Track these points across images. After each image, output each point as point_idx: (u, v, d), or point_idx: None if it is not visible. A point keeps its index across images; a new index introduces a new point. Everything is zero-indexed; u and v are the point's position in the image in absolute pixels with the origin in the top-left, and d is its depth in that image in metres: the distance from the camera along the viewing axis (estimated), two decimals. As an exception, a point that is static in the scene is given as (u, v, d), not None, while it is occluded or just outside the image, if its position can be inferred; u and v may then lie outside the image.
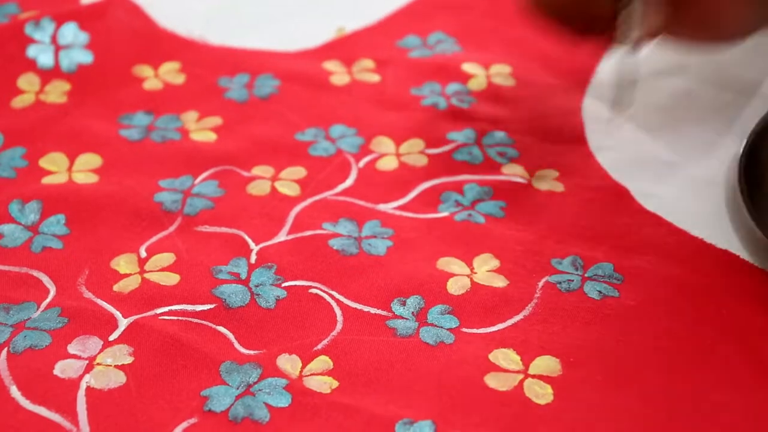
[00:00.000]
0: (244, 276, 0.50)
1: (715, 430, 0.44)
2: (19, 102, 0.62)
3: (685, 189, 0.57)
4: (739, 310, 0.49)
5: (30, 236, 0.53)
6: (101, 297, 0.49)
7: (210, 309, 0.48)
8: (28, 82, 0.63)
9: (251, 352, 0.46)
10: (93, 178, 0.57)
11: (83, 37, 0.66)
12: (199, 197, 0.55)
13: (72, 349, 0.46)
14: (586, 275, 0.51)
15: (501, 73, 0.65)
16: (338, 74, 0.65)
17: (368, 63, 0.66)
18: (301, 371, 0.46)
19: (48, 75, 0.64)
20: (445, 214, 0.55)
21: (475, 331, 0.48)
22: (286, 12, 0.71)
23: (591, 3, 0.51)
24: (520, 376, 0.46)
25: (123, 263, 0.51)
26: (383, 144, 0.59)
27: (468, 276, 0.51)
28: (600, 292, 0.50)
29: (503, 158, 0.58)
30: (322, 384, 0.45)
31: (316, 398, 0.44)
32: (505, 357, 0.47)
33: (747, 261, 0.52)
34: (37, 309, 0.48)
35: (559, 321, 0.48)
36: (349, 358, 0.46)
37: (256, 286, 0.50)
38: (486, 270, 0.51)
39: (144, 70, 0.65)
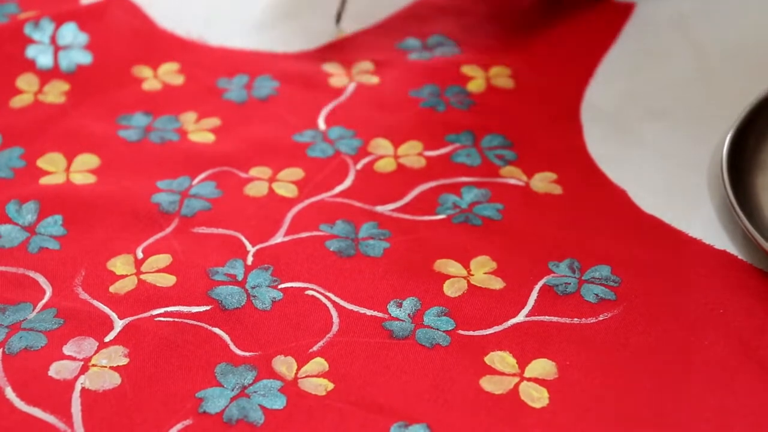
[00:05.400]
0: (240, 277, 0.50)
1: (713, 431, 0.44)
2: (17, 102, 0.62)
3: (683, 190, 0.57)
4: (738, 310, 0.49)
5: (27, 237, 0.53)
6: (97, 298, 0.49)
7: (206, 311, 0.48)
8: (27, 82, 0.63)
9: (247, 354, 0.46)
10: (91, 179, 0.57)
11: (82, 37, 0.66)
12: (196, 198, 0.55)
13: (67, 350, 0.46)
14: (583, 278, 0.51)
15: (500, 75, 0.65)
16: (337, 76, 0.65)
17: (367, 65, 0.66)
18: (296, 373, 0.46)
19: (47, 75, 0.64)
20: (442, 216, 0.54)
21: (471, 333, 0.48)
22: (285, 13, 0.71)
23: None
24: (516, 380, 0.45)
25: (119, 264, 0.51)
26: (381, 146, 0.59)
27: (465, 278, 0.51)
28: (597, 295, 0.50)
29: (501, 161, 0.58)
30: (318, 386, 0.45)
31: (311, 400, 0.44)
32: (501, 360, 0.46)
33: (746, 261, 0.52)
34: (33, 310, 0.48)
35: (556, 324, 0.48)
36: (345, 360, 0.46)
37: (253, 288, 0.50)
38: (483, 272, 0.51)
39: (143, 71, 0.65)
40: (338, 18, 0.63)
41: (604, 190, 0.56)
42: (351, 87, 0.64)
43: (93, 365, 0.46)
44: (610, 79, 0.65)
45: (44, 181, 0.56)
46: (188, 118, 0.62)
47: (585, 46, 0.67)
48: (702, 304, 0.49)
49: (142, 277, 0.50)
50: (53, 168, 0.57)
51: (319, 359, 0.46)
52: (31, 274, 0.50)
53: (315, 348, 0.47)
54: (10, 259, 0.51)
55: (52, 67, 0.64)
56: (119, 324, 0.48)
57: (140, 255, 0.52)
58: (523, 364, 0.46)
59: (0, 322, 0.47)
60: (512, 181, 0.57)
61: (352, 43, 0.67)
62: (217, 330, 0.48)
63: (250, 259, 0.51)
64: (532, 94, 0.64)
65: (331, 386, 0.45)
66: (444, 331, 0.48)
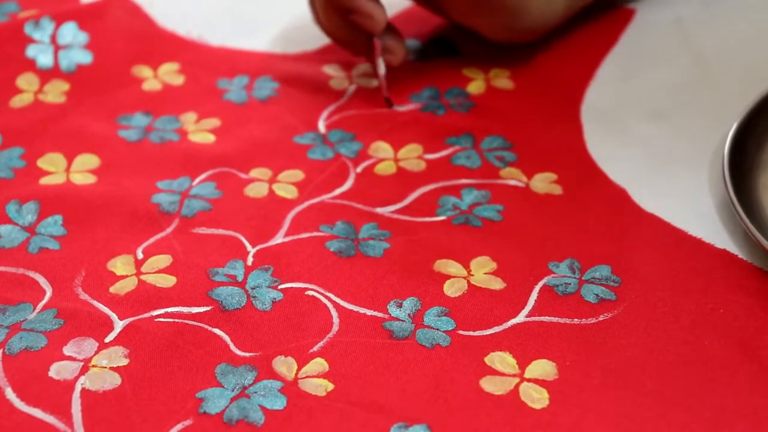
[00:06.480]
0: (240, 278, 0.50)
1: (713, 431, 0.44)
2: (17, 101, 0.62)
3: (683, 189, 0.57)
4: (738, 310, 0.49)
5: (27, 237, 0.53)
6: (97, 298, 0.49)
7: (206, 311, 0.48)
8: (27, 81, 0.63)
9: (247, 354, 0.46)
10: (91, 179, 0.57)
11: (82, 37, 0.66)
12: (196, 199, 0.55)
13: (67, 350, 0.46)
14: (583, 278, 0.51)
15: (500, 76, 0.65)
16: (337, 78, 0.65)
17: (367, 67, 0.66)
18: (296, 373, 0.46)
19: (47, 75, 0.64)
20: (442, 218, 0.54)
21: (471, 333, 0.48)
22: (286, 14, 0.71)
23: (350, 40, 0.62)
24: (516, 380, 0.45)
25: (120, 265, 0.51)
26: (381, 149, 0.59)
27: (465, 278, 0.51)
28: (597, 295, 0.50)
29: (501, 162, 0.58)
30: (318, 386, 0.45)
31: (311, 401, 0.44)
32: (501, 360, 0.46)
33: (746, 260, 0.52)
34: (33, 310, 0.48)
35: (556, 324, 0.48)
36: (345, 360, 0.46)
37: (253, 288, 0.50)
38: (483, 272, 0.51)
39: (143, 71, 0.65)
40: (389, 102, 0.63)
41: (604, 190, 0.56)
42: (351, 89, 0.64)
43: (93, 366, 0.46)
44: (610, 80, 0.65)
45: (44, 181, 0.56)
46: (188, 119, 0.62)
47: (585, 49, 0.67)
48: (702, 304, 0.49)
49: (143, 277, 0.50)
50: (53, 168, 0.57)
51: (319, 359, 0.46)
52: (31, 274, 0.50)
53: (315, 348, 0.47)
54: (10, 259, 0.51)
55: (52, 67, 0.64)
56: (119, 324, 0.48)
57: (140, 255, 0.52)
58: (523, 364, 0.46)
59: (0, 323, 0.47)
60: (512, 182, 0.57)
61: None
62: (217, 330, 0.48)
63: (250, 260, 0.51)
64: (532, 95, 0.64)
65: (331, 386, 0.45)
66: (444, 332, 0.48)
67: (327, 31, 0.63)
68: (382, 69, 0.62)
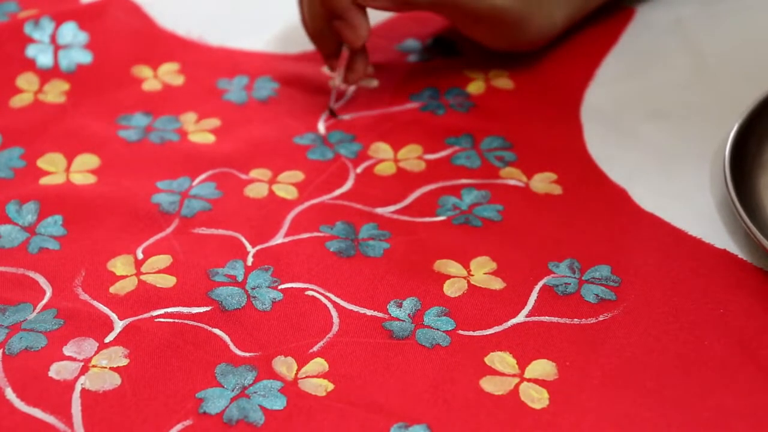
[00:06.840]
0: (240, 278, 0.50)
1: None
2: (17, 101, 0.62)
3: (683, 188, 0.57)
4: (738, 310, 0.49)
5: (27, 237, 0.53)
6: (97, 299, 0.49)
7: (206, 311, 0.48)
8: (26, 81, 0.63)
9: (247, 354, 0.46)
10: (91, 179, 0.57)
11: (82, 36, 0.66)
12: (196, 199, 0.55)
13: (67, 350, 0.46)
14: (583, 278, 0.51)
15: (500, 76, 0.65)
16: (337, 78, 0.65)
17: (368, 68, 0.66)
18: (296, 373, 0.46)
19: (47, 75, 0.64)
20: (442, 218, 0.54)
21: (471, 333, 0.48)
22: (286, 14, 0.71)
23: (322, 40, 0.62)
24: (516, 380, 0.45)
25: (119, 265, 0.51)
26: (381, 150, 0.59)
27: (465, 278, 0.51)
28: (597, 295, 0.50)
29: (501, 162, 0.58)
30: (318, 387, 0.45)
31: (311, 401, 0.44)
32: (501, 360, 0.46)
33: (746, 260, 0.52)
34: (33, 310, 0.48)
35: (556, 324, 0.48)
36: (345, 360, 0.46)
37: (253, 289, 0.50)
38: (483, 272, 0.51)
39: (143, 71, 0.65)
40: (333, 112, 0.62)
41: (604, 190, 0.56)
42: (351, 90, 0.64)
43: (93, 366, 0.46)
44: (610, 80, 0.65)
45: (44, 181, 0.56)
46: (188, 119, 0.62)
47: (585, 49, 0.67)
48: (702, 304, 0.49)
49: (143, 277, 0.50)
50: (53, 168, 0.57)
51: (319, 359, 0.46)
52: (31, 274, 0.50)
53: (315, 348, 0.47)
54: (10, 259, 0.51)
55: (52, 67, 0.64)
56: (119, 325, 0.48)
57: (140, 255, 0.52)
58: (523, 364, 0.46)
59: (0, 323, 0.47)
60: (512, 182, 0.57)
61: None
62: (217, 331, 0.48)
63: (250, 260, 0.51)
64: (532, 95, 0.64)
65: (331, 386, 0.45)
66: (444, 332, 0.48)
67: (304, 23, 0.63)
68: (338, 80, 0.62)
